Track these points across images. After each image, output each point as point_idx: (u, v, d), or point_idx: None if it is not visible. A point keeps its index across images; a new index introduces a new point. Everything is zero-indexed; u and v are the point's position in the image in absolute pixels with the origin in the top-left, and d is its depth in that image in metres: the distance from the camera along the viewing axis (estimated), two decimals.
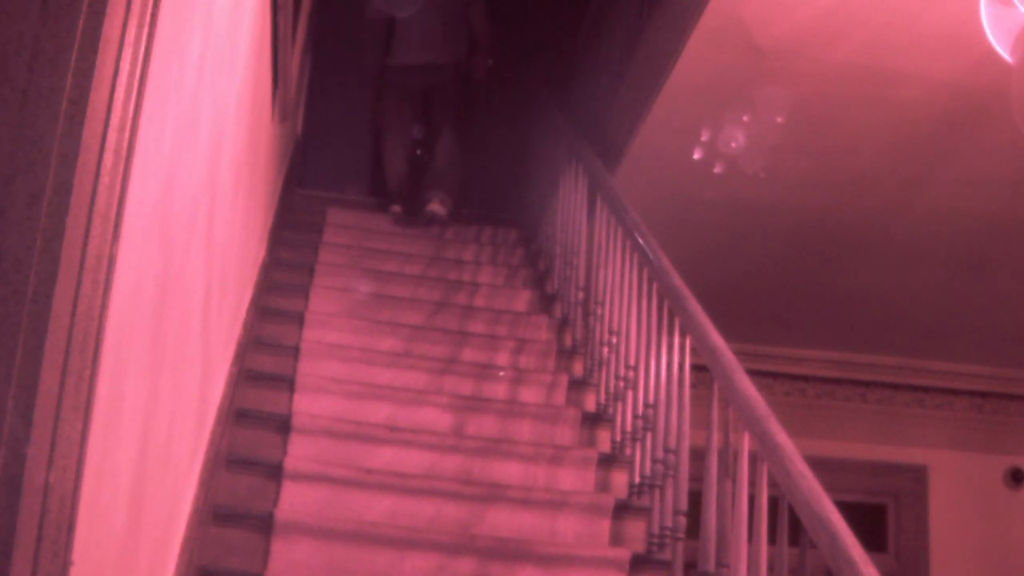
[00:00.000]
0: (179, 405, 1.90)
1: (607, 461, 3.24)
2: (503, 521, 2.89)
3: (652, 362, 3.08)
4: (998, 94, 3.44)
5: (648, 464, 3.01)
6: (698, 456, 2.65)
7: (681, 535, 2.75)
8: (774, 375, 5.51)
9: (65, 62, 1.01)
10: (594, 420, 3.48)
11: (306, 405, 3.20)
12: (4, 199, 0.98)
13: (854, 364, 5.64)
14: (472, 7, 5.26)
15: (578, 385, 3.68)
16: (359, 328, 3.75)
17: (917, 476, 5.63)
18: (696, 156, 4.09)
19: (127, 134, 1.13)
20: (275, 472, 2.84)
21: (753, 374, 2.54)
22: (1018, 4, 2.67)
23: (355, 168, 6.18)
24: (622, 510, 3.01)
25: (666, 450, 2.87)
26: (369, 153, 6.05)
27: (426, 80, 5.17)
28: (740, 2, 3.35)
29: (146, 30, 1.15)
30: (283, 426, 3.04)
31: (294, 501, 2.80)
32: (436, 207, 4.95)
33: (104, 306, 1.11)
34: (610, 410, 3.43)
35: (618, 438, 3.29)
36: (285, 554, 2.61)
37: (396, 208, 5.04)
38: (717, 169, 4.14)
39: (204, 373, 2.26)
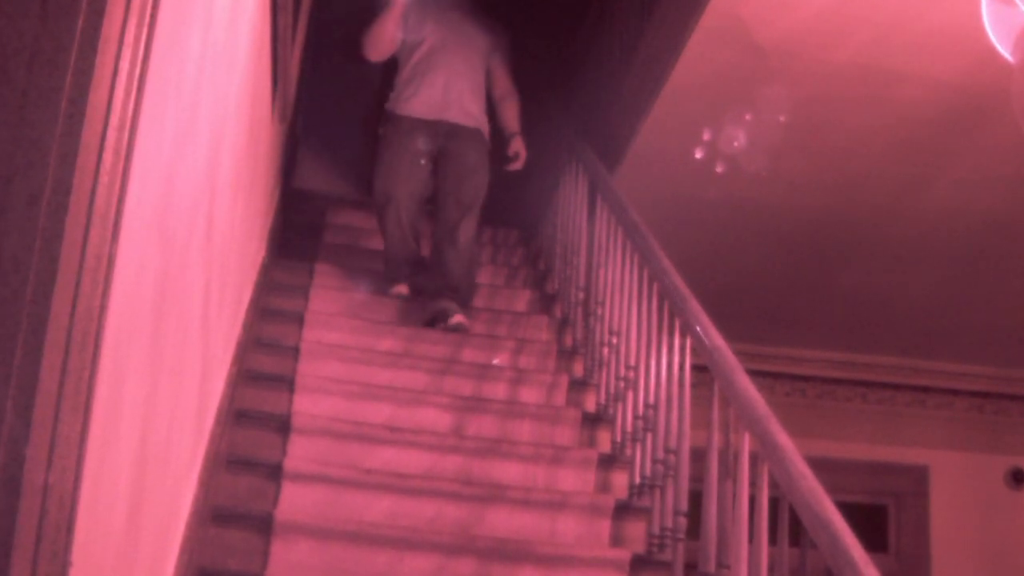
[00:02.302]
0: (178, 405, 1.90)
1: (607, 461, 3.24)
2: (503, 522, 2.89)
3: (652, 362, 3.08)
4: (999, 94, 3.44)
5: (648, 464, 3.01)
6: (698, 456, 2.65)
7: (681, 536, 2.75)
8: (775, 375, 5.51)
9: (64, 62, 1.01)
10: (594, 420, 3.48)
11: (306, 405, 3.20)
12: (3, 199, 0.98)
13: (855, 364, 5.64)
14: (495, 54, 4.19)
15: (578, 385, 3.68)
16: (359, 328, 3.75)
17: (918, 476, 5.63)
18: (697, 156, 4.09)
19: (126, 134, 1.12)
20: (275, 472, 2.84)
21: (753, 374, 2.54)
22: (1019, 3, 2.67)
23: (355, 168, 6.18)
24: (622, 511, 3.01)
25: (666, 450, 2.87)
26: (369, 152, 6.04)
27: (439, 142, 4.01)
28: (740, 1, 3.35)
29: (145, 30, 1.15)
30: (283, 426, 3.04)
31: (294, 501, 2.80)
32: (461, 320, 3.86)
33: (103, 306, 1.11)
34: (610, 410, 3.42)
35: (618, 438, 3.29)
36: (285, 555, 2.61)
37: (401, 289, 3.99)
38: (718, 169, 4.14)
39: (204, 373, 2.26)
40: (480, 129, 4.06)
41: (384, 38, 4.03)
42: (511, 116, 4.23)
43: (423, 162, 3.98)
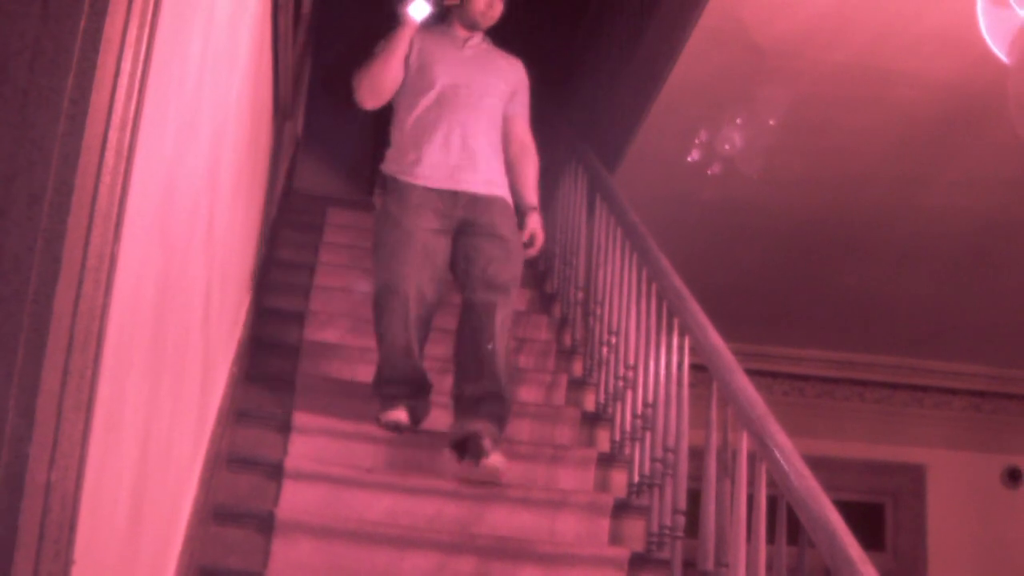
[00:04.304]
0: (180, 404, 1.90)
1: (606, 460, 3.25)
2: (503, 520, 2.89)
3: (651, 362, 3.08)
4: (996, 94, 3.45)
5: (647, 463, 3.02)
6: (697, 455, 2.65)
7: (680, 534, 2.76)
8: (773, 374, 5.52)
9: (66, 62, 1.01)
10: (593, 420, 3.48)
11: (306, 405, 3.20)
12: (5, 199, 0.99)
13: (853, 364, 5.65)
14: (514, 99, 3.32)
15: (577, 385, 3.68)
16: (359, 328, 3.75)
17: (915, 475, 5.64)
18: (696, 156, 4.10)
19: (128, 134, 1.13)
20: (275, 471, 2.84)
21: (752, 374, 2.55)
22: (1015, 6, 2.68)
23: (355, 168, 6.18)
24: (621, 509, 3.02)
25: (665, 449, 2.88)
26: (368, 153, 6.05)
27: (456, 216, 3.10)
28: (739, 2, 3.36)
29: (147, 30, 1.15)
30: (283, 426, 3.05)
31: (294, 500, 2.80)
32: (498, 465, 2.90)
33: (105, 306, 1.11)
34: (609, 410, 3.43)
35: (617, 437, 3.30)
36: (285, 553, 2.61)
37: (398, 415, 2.97)
38: (717, 169, 4.14)
39: (204, 373, 2.26)
40: (504, 197, 3.18)
41: (387, 77, 3.13)
42: (528, 183, 3.28)
43: (439, 246, 3.05)
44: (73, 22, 1.02)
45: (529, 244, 3.21)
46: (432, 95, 3.15)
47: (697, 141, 4.05)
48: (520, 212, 3.24)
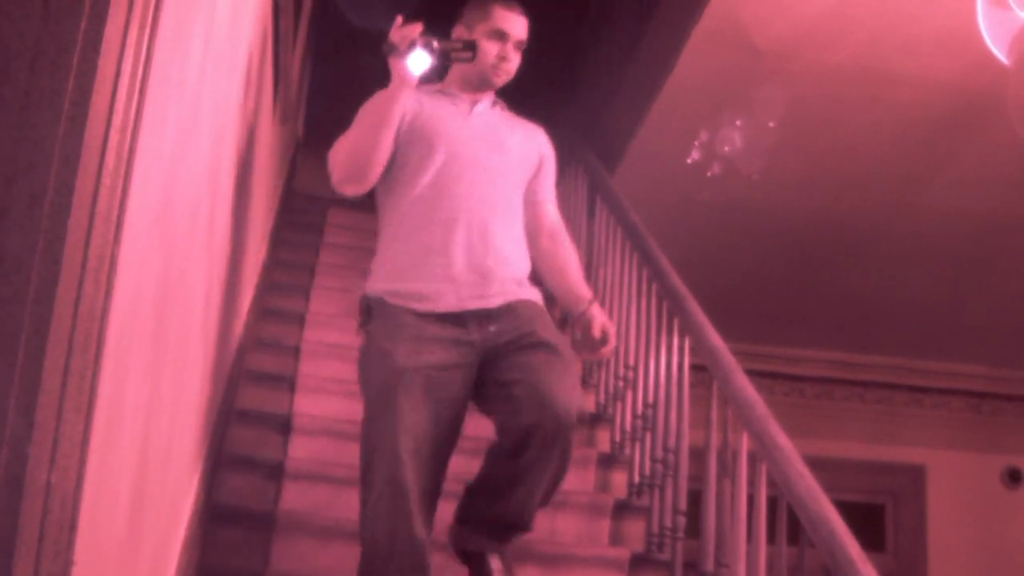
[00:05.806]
0: (180, 405, 1.90)
1: (606, 461, 3.25)
2: None
3: (651, 362, 3.09)
4: (995, 95, 3.46)
5: (647, 464, 3.02)
6: (697, 456, 2.66)
7: (680, 535, 2.76)
8: (773, 375, 5.52)
9: (67, 64, 1.01)
10: (594, 420, 3.48)
11: (306, 405, 3.21)
12: (6, 200, 0.99)
13: (852, 364, 5.65)
14: (540, 173, 2.49)
15: None
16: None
17: (915, 476, 5.64)
18: (696, 156, 4.11)
19: (129, 135, 1.13)
20: (276, 472, 2.85)
21: (752, 374, 2.55)
22: (1014, 7, 2.69)
23: None
24: (621, 510, 3.02)
25: (665, 450, 2.88)
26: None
27: (473, 341, 2.25)
28: (739, 3, 3.36)
29: (147, 32, 1.15)
30: (284, 426, 3.05)
31: (295, 501, 2.80)
32: None
33: (106, 307, 1.11)
34: (609, 410, 3.43)
35: (617, 438, 3.30)
36: (285, 553, 2.61)
37: None
38: (717, 169, 4.15)
39: (205, 373, 2.27)
40: (536, 301, 2.38)
41: (375, 155, 2.30)
42: (572, 277, 2.49)
43: (451, 379, 2.21)
44: (74, 24, 1.02)
45: (603, 341, 2.34)
46: (428, 179, 2.31)
47: (697, 142, 4.05)
48: (573, 311, 2.44)
